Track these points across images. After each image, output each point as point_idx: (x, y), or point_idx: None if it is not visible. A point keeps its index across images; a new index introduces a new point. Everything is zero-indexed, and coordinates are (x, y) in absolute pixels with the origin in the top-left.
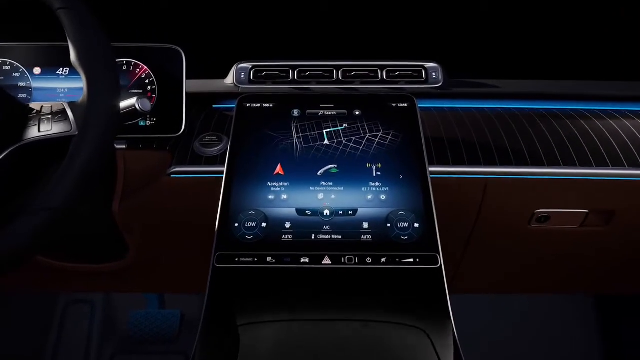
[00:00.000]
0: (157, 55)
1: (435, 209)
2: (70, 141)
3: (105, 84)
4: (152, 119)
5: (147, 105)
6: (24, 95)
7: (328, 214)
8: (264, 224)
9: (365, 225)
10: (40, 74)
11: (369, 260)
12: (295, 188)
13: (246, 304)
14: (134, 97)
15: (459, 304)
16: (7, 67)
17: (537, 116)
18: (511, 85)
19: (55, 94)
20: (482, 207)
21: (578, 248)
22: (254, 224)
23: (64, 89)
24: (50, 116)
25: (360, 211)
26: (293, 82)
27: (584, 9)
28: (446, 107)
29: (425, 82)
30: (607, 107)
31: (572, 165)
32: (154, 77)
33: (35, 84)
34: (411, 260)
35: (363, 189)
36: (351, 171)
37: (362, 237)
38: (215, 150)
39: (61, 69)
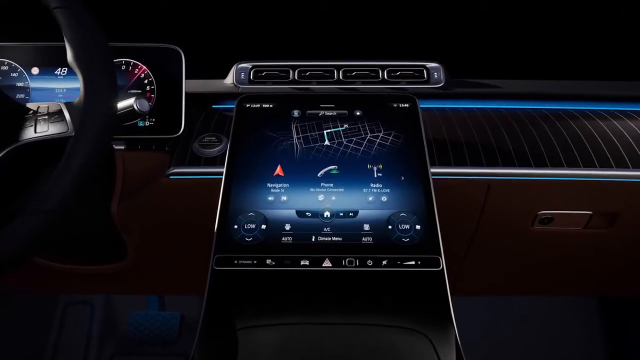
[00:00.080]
0: (156, 55)
1: (437, 210)
2: (66, 142)
3: (102, 84)
4: (151, 119)
5: (145, 105)
6: (21, 96)
7: (328, 215)
8: (263, 226)
9: (366, 227)
10: (39, 74)
11: (369, 262)
12: (295, 189)
13: (245, 307)
14: (132, 97)
15: (461, 306)
16: (5, 67)
17: (540, 117)
18: (513, 86)
19: (53, 94)
20: (485, 208)
21: (581, 250)
22: (253, 226)
23: (62, 89)
24: (46, 117)
25: (361, 213)
26: (293, 82)
27: (585, 9)
28: (448, 108)
29: (427, 82)
30: (611, 108)
31: (575, 166)
32: (153, 77)
33: (33, 84)
34: (412, 262)
35: (364, 190)
36: (352, 172)
37: (363, 239)
38: (214, 151)
39: (59, 69)
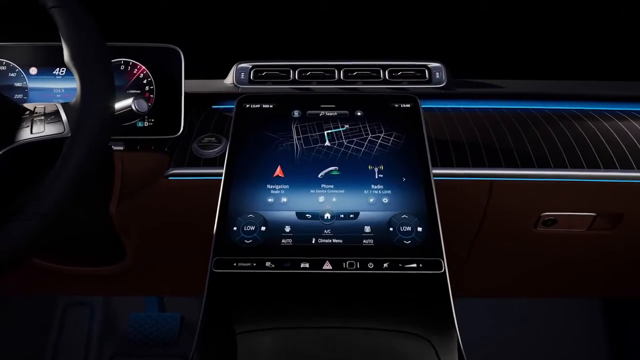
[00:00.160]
0: (155, 55)
1: (439, 212)
2: (63, 143)
3: (98, 83)
4: (150, 119)
5: (144, 105)
6: (19, 96)
7: (329, 217)
8: (263, 228)
9: (367, 229)
10: (37, 74)
11: (370, 265)
12: (295, 191)
13: (245, 310)
14: (131, 97)
15: (463, 308)
16: (3, 67)
17: (543, 117)
18: (516, 86)
19: (51, 94)
20: (487, 210)
21: (585, 251)
22: (252, 228)
23: (61, 89)
24: (43, 117)
25: (362, 214)
26: (293, 82)
27: (585, 9)
28: (449, 108)
29: (429, 82)
30: (614, 108)
31: (579, 167)
32: (152, 78)
33: (31, 84)
34: (414, 265)
35: (365, 191)
36: (353, 173)
37: (364, 241)
38: (213, 151)
39: (58, 69)
